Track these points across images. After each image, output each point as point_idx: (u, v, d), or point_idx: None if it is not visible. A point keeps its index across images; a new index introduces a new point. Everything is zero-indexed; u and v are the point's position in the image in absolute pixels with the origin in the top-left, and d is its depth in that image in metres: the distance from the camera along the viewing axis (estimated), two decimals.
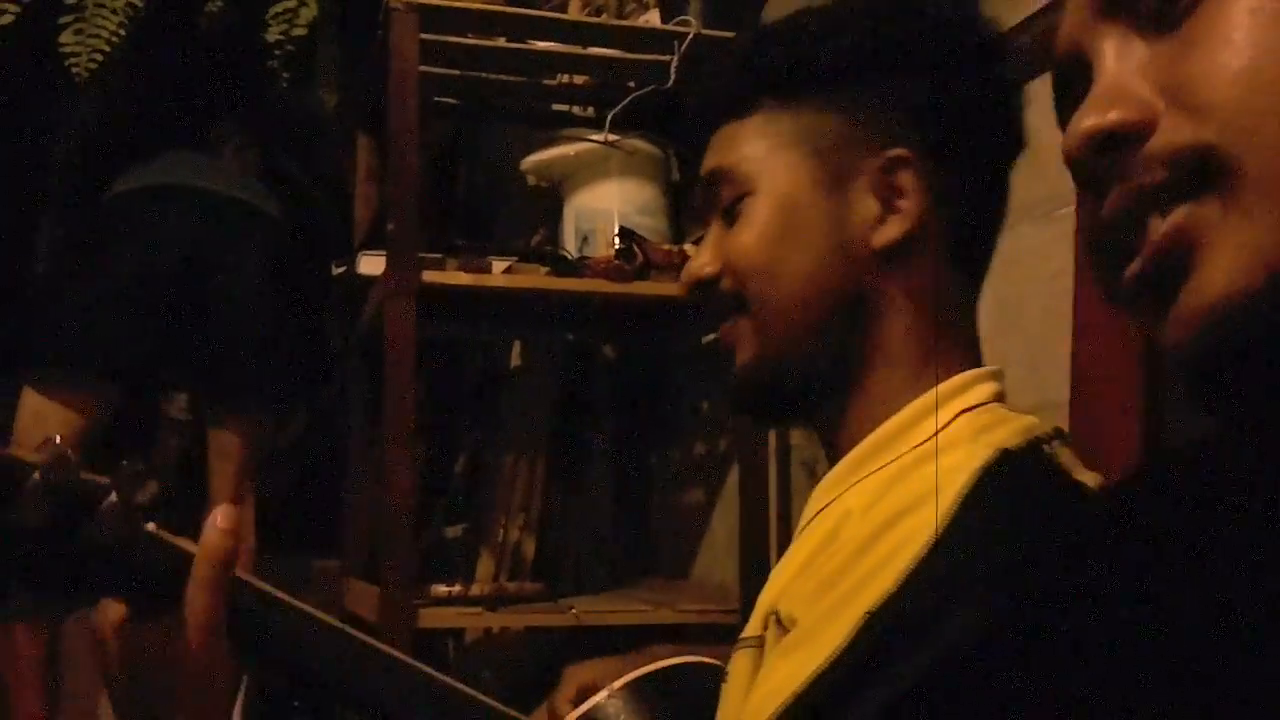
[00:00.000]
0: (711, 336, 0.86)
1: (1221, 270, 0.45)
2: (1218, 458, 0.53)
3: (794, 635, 0.72)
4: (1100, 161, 0.49)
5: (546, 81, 2.23)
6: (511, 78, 2.18)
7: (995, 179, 0.87)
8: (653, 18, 2.11)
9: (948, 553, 0.68)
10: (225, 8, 2.07)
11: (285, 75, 2.04)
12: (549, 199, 2.32)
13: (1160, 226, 0.47)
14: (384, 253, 1.86)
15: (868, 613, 0.68)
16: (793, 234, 0.82)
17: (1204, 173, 0.46)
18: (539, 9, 2.27)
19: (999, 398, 0.82)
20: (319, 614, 0.72)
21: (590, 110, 2.28)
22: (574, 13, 2.33)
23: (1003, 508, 0.71)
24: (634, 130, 2.12)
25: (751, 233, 0.83)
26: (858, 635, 0.68)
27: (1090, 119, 0.49)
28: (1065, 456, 0.76)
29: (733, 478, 2.16)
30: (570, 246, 2.12)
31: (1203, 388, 0.47)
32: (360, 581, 2.17)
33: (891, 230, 0.82)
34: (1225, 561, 0.50)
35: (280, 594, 0.70)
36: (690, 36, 1.92)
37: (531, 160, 2.23)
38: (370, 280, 1.99)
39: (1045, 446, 0.76)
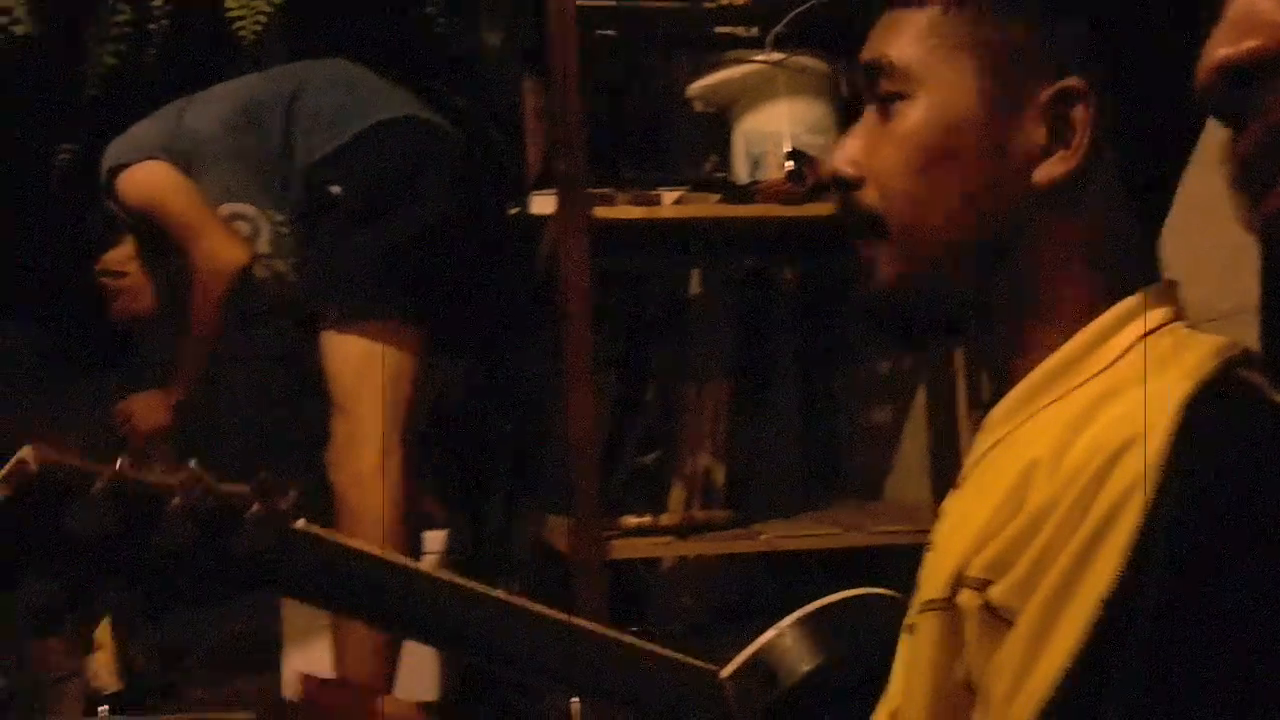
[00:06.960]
0: None
1: None
2: None
3: (1020, 631, 0.66)
4: (1234, 94, 0.45)
5: (707, 4, 2.19)
6: (670, 3, 2.15)
7: (1182, 115, 0.80)
8: None
9: (1173, 512, 0.62)
10: None
11: (441, 20, 2.04)
12: (719, 124, 2.30)
13: None
14: (555, 192, 1.88)
15: (1102, 600, 0.62)
16: (947, 159, 0.77)
17: None
18: None
19: (1179, 316, 0.75)
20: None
21: (755, 31, 2.23)
22: None
23: (1218, 450, 0.64)
24: (800, 47, 2.07)
25: (903, 151, 0.78)
26: (1096, 628, 0.62)
27: (1223, 49, 0.45)
28: (1258, 378, 0.69)
29: (921, 395, 2.12)
30: (741, 171, 2.09)
31: None
32: (556, 516, 2.23)
33: (1056, 167, 0.75)
34: None
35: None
36: None
37: (697, 86, 2.20)
38: (543, 220, 2.02)
39: (1241, 370, 0.69)
